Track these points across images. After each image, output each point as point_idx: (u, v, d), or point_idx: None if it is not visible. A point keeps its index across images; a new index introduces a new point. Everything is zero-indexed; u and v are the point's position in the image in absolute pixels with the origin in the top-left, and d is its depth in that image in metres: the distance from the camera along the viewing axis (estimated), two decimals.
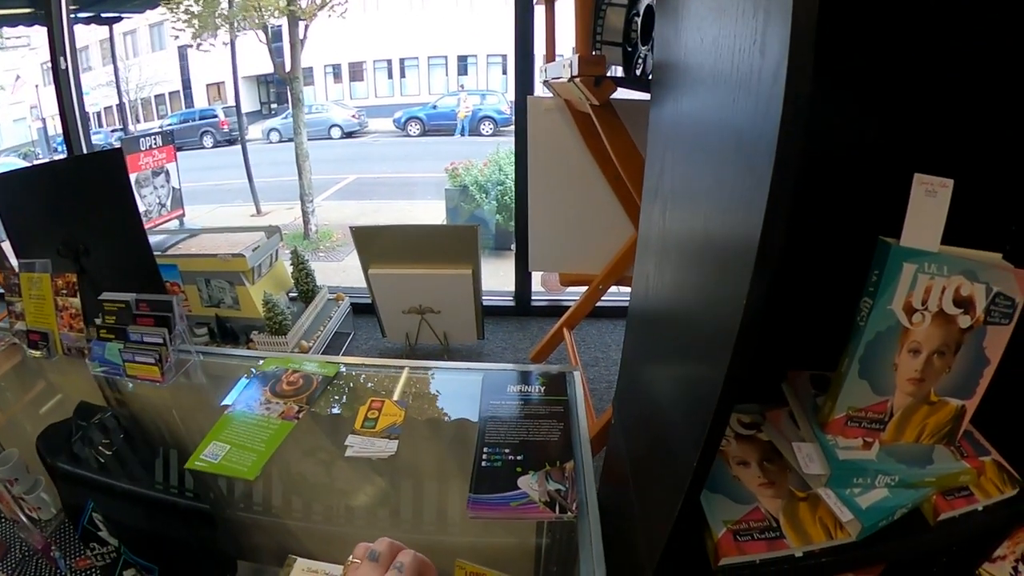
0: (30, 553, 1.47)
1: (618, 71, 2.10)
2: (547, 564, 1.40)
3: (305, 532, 1.62)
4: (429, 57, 21.56)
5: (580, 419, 1.52)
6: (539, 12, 3.41)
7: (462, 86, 19.80)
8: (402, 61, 21.89)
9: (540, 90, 3.42)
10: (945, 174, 0.93)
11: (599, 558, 1.17)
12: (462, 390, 1.75)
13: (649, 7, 1.92)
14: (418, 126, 16.93)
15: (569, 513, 1.23)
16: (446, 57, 21.38)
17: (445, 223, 7.23)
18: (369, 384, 1.78)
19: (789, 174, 0.68)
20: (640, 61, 2.03)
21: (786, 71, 0.64)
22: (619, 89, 1.97)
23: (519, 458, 1.36)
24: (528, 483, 1.29)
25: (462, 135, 15.95)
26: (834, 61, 1.05)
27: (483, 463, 1.36)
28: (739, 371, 0.81)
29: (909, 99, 1.19)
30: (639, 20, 1.97)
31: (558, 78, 2.20)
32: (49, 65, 4.56)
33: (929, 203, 0.95)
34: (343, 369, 1.80)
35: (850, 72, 1.17)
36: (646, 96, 2.00)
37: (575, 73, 1.87)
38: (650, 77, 1.99)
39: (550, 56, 2.92)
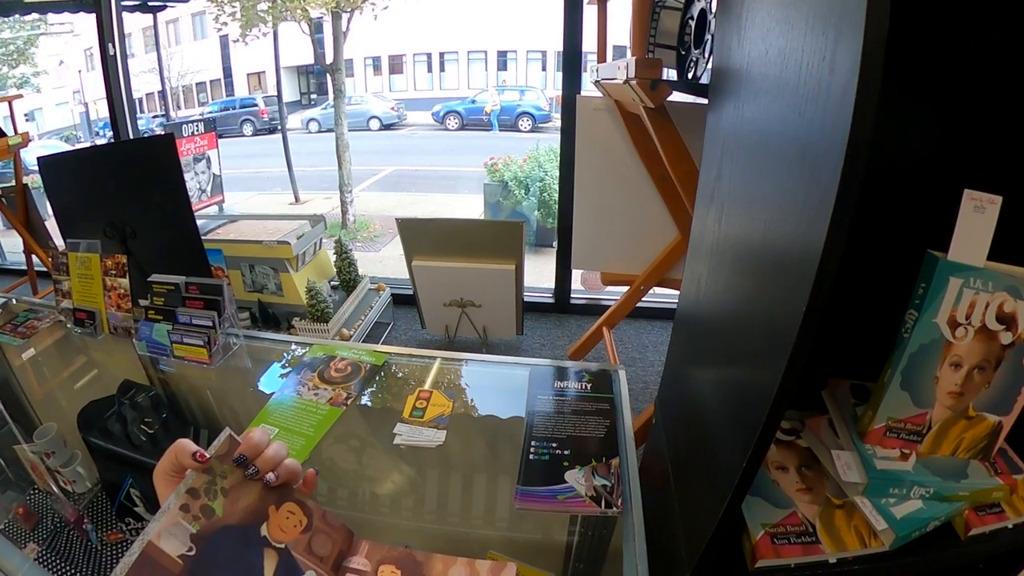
0: (62, 524, 1.50)
1: (670, 73, 2.09)
2: (576, 560, 1.39)
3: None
4: (469, 51, 21.56)
5: (625, 417, 1.51)
6: (588, 12, 3.40)
7: (504, 81, 19.83)
8: (442, 55, 21.93)
9: (586, 89, 3.40)
10: (994, 190, 0.93)
11: (642, 555, 1.16)
12: (506, 384, 1.76)
13: (702, 11, 1.90)
14: (456, 120, 16.93)
15: (614, 509, 1.23)
16: (486, 52, 21.37)
17: (487, 218, 7.22)
18: (415, 374, 1.78)
19: (854, 187, 0.68)
20: (692, 65, 2.01)
21: (856, 90, 0.65)
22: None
23: (566, 453, 1.36)
24: (575, 477, 1.29)
25: (494, 130, 15.99)
26: (894, 76, 1.06)
27: (531, 456, 1.36)
28: (792, 379, 0.82)
29: (962, 113, 1.19)
30: (692, 24, 1.95)
31: (611, 79, 2.18)
32: (92, 51, 4.64)
33: (977, 219, 0.94)
34: (390, 358, 1.80)
35: (908, 87, 1.17)
36: (697, 99, 1.98)
37: (631, 76, 1.85)
38: (701, 80, 1.98)
39: (601, 57, 2.90)
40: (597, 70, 2.60)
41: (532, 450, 1.37)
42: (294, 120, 17.14)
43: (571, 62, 3.65)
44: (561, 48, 3.64)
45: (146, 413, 1.71)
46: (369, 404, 1.64)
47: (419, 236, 3.40)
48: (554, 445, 1.39)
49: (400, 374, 1.78)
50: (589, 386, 1.62)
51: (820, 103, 0.75)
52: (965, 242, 0.96)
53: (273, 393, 1.63)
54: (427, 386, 1.66)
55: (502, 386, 1.78)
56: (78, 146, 15.57)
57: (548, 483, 1.28)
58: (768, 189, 0.99)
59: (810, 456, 1.26)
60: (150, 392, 1.79)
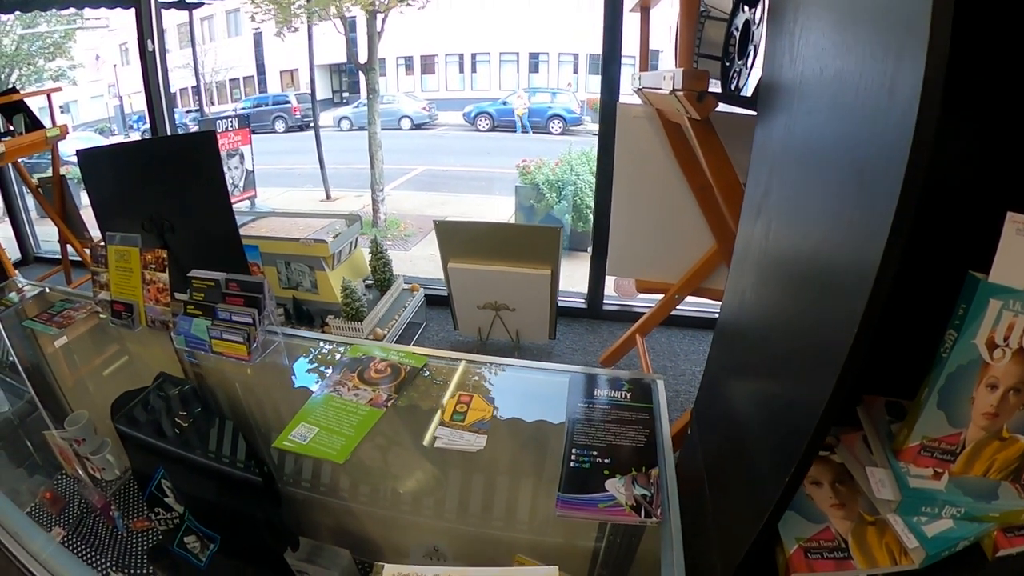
0: (88, 510, 1.54)
1: (713, 84, 2.08)
2: (602, 568, 1.40)
3: (373, 518, 1.65)
4: (501, 53, 21.62)
5: (664, 427, 1.53)
6: (629, 19, 3.39)
7: (530, 84, 19.86)
8: (473, 56, 22.01)
9: (625, 95, 3.39)
10: None
11: (679, 565, 1.19)
12: (543, 390, 1.78)
13: (747, 22, 1.89)
14: (487, 121, 16.99)
15: (654, 518, 1.25)
16: (517, 54, 21.42)
17: (523, 222, 7.23)
18: (453, 378, 1.78)
19: (910, 211, 0.70)
20: (735, 76, 1.99)
21: (916, 116, 0.67)
22: None
23: (606, 461, 1.38)
24: (615, 486, 1.31)
25: (524, 131, 16.04)
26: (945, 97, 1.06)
27: (572, 463, 1.37)
28: (840, 396, 0.83)
29: (1010, 134, 1.18)
30: (737, 35, 1.94)
31: (655, 88, 2.16)
32: (127, 46, 4.72)
33: (1019, 241, 0.94)
34: (430, 361, 1.80)
35: (957, 106, 1.14)
36: (738, 110, 1.96)
37: (677, 87, 1.83)
38: (743, 92, 1.96)
39: (643, 65, 2.89)
40: (639, 78, 2.59)
41: (573, 458, 1.39)
42: (326, 118, 17.27)
43: (609, 67, 3.63)
44: (599, 51, 3.62)
45: (180, 406, 1.74)
46: (409, 406, 1.65)
47: (456, 238, 3.41)
48: (594, 453, 1.40)
49: (439, 377, 1.78)
50: (628, 395, 1.63)
51: (879, 127, 0.77)
52: (1006, 264, 0.96)
53: (312, 392, 1.64)
54: (466, 390, 1.66)
55: (540, 392, 1.79)
56: (112, 139, 15.82)
57: (589, 491, 1.30)
58: (820, 207, 1.00)
59: (844, 472, 1.26)
60: (185, 386, 1.83)
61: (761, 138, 1.40)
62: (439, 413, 1.56)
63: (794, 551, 1.12)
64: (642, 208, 2.91)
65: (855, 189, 0.83)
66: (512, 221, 7.60)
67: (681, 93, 1.83)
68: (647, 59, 2.92)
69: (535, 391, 1.81)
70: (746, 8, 1.86)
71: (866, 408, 1.28)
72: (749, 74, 1.91)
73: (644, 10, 2.85)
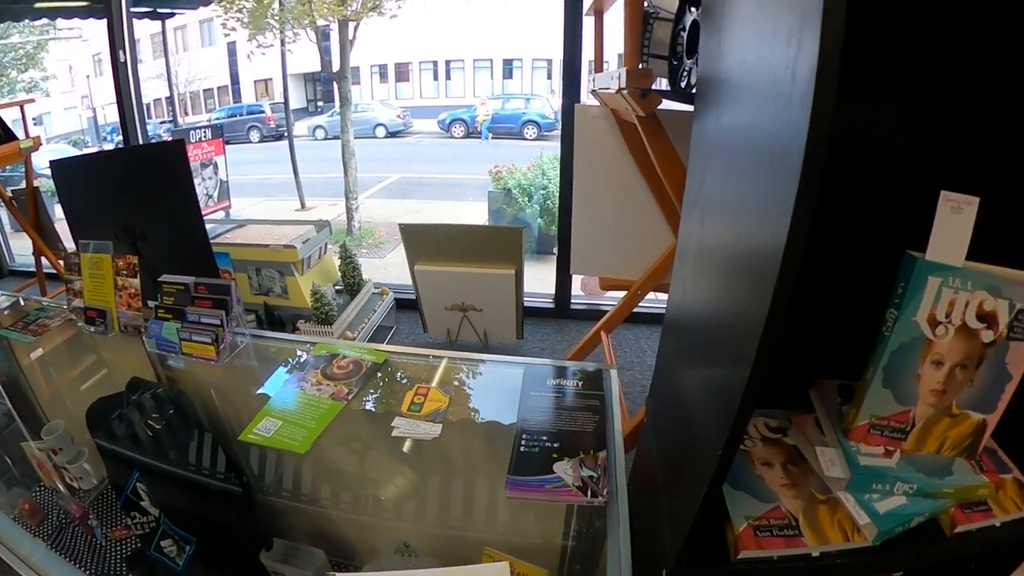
0: (67, 521, 1.54)
1: (663, 83, 2.14)
2: (572, 561, 1.45)
3: (341, 519, 1.69)
4: (475, 59, 21.63)
5: (615, 414, 1.58)
6: (587, 22, 3.46)
7: (504, 90, 19.87)
8: (447, 63, 22.00)
9: (586, 98, 3.46)
10: (981, 191, 0.96)
11: (625, 541, 1.22)
12: (501, 382, 1.82)
13: (695, 22, 1.96)
14: (462, 128, 17.01)
15: (600, 498, 1.29)
16: (491, 60, 21.44)
17: (489, 224, 7.25)
18: (414, 372, 1.84)
19: (813, 188, 0.71)
20: (685, 74, 2.07)
21: (812, 98, 0.69)
22: (664, 100, 2.01)
23: (555, 445, 1.43)
24: (563, 468, 1.35)
25: (482, 137, 16.16)
26: (867, 81, 1.13)
27: (521, 448, 1.42)
28: (760, 375, 0.85)
29: (943, 116, 1.23)
30: (685, 34, 2.01)
31: (606, 88, 2.24)
32: (100, 57, 4.70)
33: (955, 219, 0.97)
34: (391, 357, 1.86)
35: (882, 92, 1.21)
36: (689, 107, 2.04)
37: (622, 85, 1.91)
38: (693, 90, 2.04)
39: (598, 66, 2.95)
40: (594, 80, 2.66)
41: (523, 443, 1.43)
42: (301, 127, 17.20)
43: (571, 71, 3.71)
44: (561, 58, 3.69)
45: (153, 410, 1.77)
46: (370, 399, 1.71)
47: (421, 241, 3.45)
48: (544, 438, 1.45)
49: (400, 371, 1.84)
50: (580, 384, 1.69)
51: (783, 110, 0.79)
52: (943, 242, 0.99)
53: (278, 389, 1.70)
54: (425, 383, 1.72)
55: (497, 384, 1.84)
56: (86, 150, 15.65)
57: (537, 473, 1.34)
58: (742, 194, 1.02)
59: (796, 453, 1.28)
60: (157, 389, 1.86)
61: (697, 131, 1.44)
62: (399, 405, 1.61)
63: (743, 529, 1.13)
64: (602, 207, 2.95)
65: (767, 174, 0.85)
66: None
67: (626, 91, 1.91)
68: (602, 61, 2.98)
69: (492, 383, 1.86)
70: (693, 9, 1.92)
71: (819, 391, 1.33)
72: (697, 72, 1.98)
73: (598, 14, 2.91)
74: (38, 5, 5.68)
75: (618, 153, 2.78)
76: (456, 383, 1.80)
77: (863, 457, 1.15)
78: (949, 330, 1.05)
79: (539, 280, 4.52)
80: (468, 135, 16.86)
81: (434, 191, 11.64)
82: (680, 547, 1.11)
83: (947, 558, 1.20)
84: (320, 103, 22.19)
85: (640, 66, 2.03)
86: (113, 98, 4.79)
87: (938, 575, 1.38)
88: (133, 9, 4.74)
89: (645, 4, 2.00)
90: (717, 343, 1.12)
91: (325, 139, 16.21)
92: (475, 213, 9.34)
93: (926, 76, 1.20)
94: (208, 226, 3.80)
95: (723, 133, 1.19)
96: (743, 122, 1.04)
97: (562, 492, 1.31)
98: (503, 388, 1.75)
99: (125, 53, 4.62)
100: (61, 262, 2.75)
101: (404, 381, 1.78)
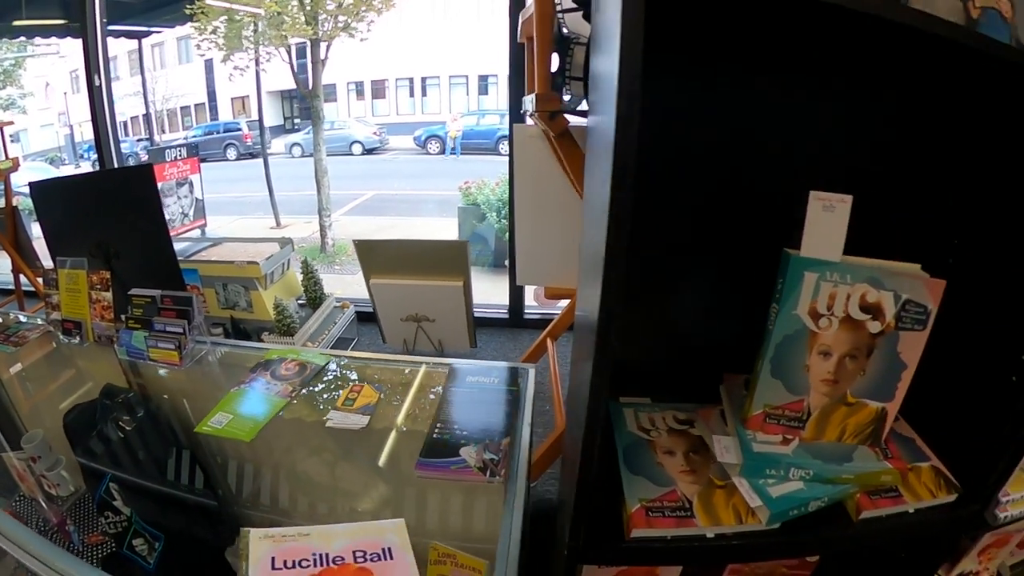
0: (46, 527, 1.59)
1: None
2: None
3: (290, 509, 1.84)
4: (450, 76, 21.67)
5: (526, 407, 1.76)
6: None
7: (480, 106, 19.94)
8: (423, 80, 22.02)
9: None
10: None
11: (518, 518, 1.34)
12: (430, 381, 2.00)
13: None
14: (438, 144, 17.06)
15: (498, 478, 1.46)
16: (467, 76, 21.51)
17: (441, 239, 7.37)
18: (354, 374, 2.04)
19: (626, 181, 0.78)
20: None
21: (615, 100, 0.76)
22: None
23: (464, 433, 1.62)
24: (468, 452, 1.52)
25: (452, 154, 16.31)
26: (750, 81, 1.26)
27: (435, 435, 1.61)
28: (605, 369, 0.93)
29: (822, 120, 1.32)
30: None
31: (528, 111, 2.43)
32: (77, 73, 4.78)
33: (828, 217, 1.03)
34: (333, 360, 2.08)
35: (779, 93, 1.29)
36: None
37: (532, 109, 2.13)
38: None
39: (530, 89, 3.13)
40: (524, 102, 2.85)
41: (436, 430, 1.63)
42: (278, 144, 17.30)
43: (516, 92, 3.92)
44: (507, 78, 3.95)
45: (124, 413, 1.93)
46: (311, 395, 1.90)
47: (375, 256, 3.61)
48: (455, 426, 1.65)
49: (341, 372, 2.05)
50: (497, 380, 1.90)
51: (610, 107, 0.82)
52: (817, 238, 1.05)
53: (231, 389, 1.89)
54: (360, 382, 1.94)
55: (426, 383, 2.01)
56: (63, 168, 15.61)
57: (445, 456, 1.52)
58: (593, 192, 1.10)
59: (700, 443, 1.36)
60: (128, 394, 2.02)
61: (587, 143, 1.56)
62: (336, 401, 1.82)
63: (636, 509, 1.18)
64: (542, 220, 3.07)
65: (603, 171, 0.88)
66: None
67: (536, 114, 2.13)
68: (533, 84, 3.15)
69: (423, 382, 2.01)
70: None
71: (727, 385, 1.41)
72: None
73: (529, 40, 3.08)
74: (16, 23, 5.80)
75: (554, 169, 2.85)
76: (389, 381, 1.98)
77: (758, 444, 1.21)
78: (833, 322, 1.11)
79: (500, 292, 4.66)
80: (443, 151, 16.91)
81: (408, 207, 11.73)
82: (568, 530, 1.16)
83: (856, 542, 1.26)
84: (297, 120, 22.20)
85: (565, 88, 2.21)
86: (90, 116, 4.90)
87: (864, 562, 1.51)
88: (110, 28, 4.80)
89: (565, 31, 2.16)
90: (583, 338, 1.22)
91: (302, 156, 16.13)
92: (447, 229, 9.43)
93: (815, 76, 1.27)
94: (184, 244, 4.02)
95: (592, 139, 1.32)
96: (599, 126, 1.09)
97: (464, 472, 1.47)
98: (432, 386, 1.94)
99: (100, 77, 4.75)
100: (40, 280, 2.87)
101: (343, 381, 1.97)
